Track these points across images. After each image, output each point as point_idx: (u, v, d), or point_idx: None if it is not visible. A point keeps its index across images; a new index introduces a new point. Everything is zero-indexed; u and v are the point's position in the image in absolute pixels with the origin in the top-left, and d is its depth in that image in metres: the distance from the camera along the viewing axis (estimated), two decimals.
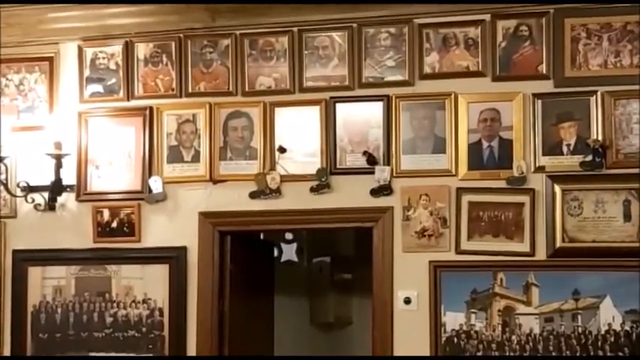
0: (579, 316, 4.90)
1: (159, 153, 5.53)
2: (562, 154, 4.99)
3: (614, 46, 4.96)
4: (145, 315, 5.50)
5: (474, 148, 5.10)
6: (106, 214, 5.56)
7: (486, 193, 5.07)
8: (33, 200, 5.53)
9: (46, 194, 5.51)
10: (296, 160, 5.34)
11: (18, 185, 5.54)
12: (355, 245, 6.62)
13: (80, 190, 5.58)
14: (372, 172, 5.18)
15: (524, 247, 5.00)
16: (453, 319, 5.06)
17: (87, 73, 5.65)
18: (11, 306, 5.66)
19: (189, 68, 5.52)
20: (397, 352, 5.15)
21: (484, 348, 5.02)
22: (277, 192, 5.32)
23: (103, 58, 5.64)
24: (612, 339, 4.83)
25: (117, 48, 5.61)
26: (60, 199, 5.54)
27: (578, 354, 4.91)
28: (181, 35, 5.51)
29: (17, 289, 5.66)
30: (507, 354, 4.99)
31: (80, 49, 5.65)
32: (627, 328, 4.82)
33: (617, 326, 4.83)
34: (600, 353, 4.87)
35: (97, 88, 5.63)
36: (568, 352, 4.92)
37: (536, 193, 4.99)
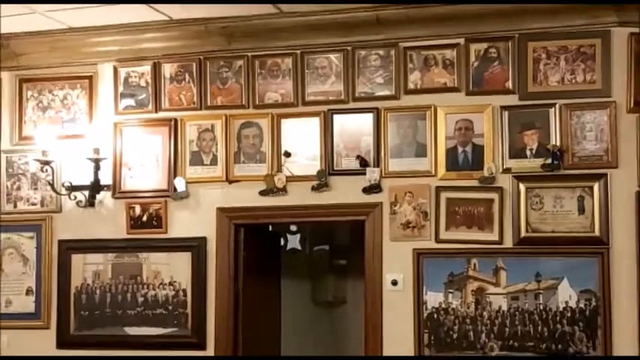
0: (541, 295, 4.95)
1: (182, 157, 5.55)
2: (526, 157, 5.04)
3: (570, 66, 5.01)
4: (171, 295, 5.53)
5: (451, 153, 5.15)
6: (138, 209, 5.60)
7: (461, 191, 5.13)
8: (75, 198, 5.59)
9: (86, 193, 5.57)
10: (299, 163, 5.38)
11: (63, 185, 5.58)
12: (350, 235, 6.64)
13: (115, 189, 5.63)
14: (364, 174, 5.22)
15: (494, 236, 5.05)
16: (433, 298, 5.10)
17: (121, 89, 5.68)
18: (57, 288, 5.70)
19: (208, 85, 5.54)
20: (385, 327, 5.17)
21: (459, 322, 5.05)
22: (283, 190, 5.36)
23: (135, 76, 5.66)
24: (569, 314, 4.89)
25: (146, 68, 5.64)
26: (98, 197, 5.61)
27: (539, 328, 4.91)
28: (201, 57, 5.54)
29: (62, 274, 5.70)
30: (479, 328, 5.00)
31: (115, 69, 5.69)
32: (582, 305, 4.87)
33: (573, 304, 4.88)
34: (559, 327, 4.88)
35: (130, 102, 5.67)
36: (531, 326, 4.93)
37: (503, 191, 5.04)
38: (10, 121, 5.92)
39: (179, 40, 5.59)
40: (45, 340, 5.74)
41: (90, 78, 5.78)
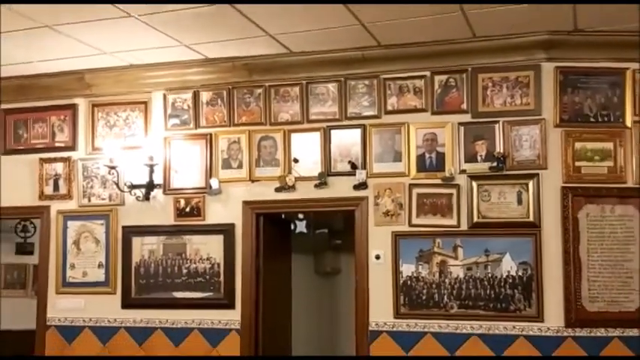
0: (489, 266, 4.94)
1: (216, 163, 5.52)
2: (477, 161, 5.01)
3: (510, 91, 4.98)
4: (207, 267, 5.50)
5: (420, 158, 5.11)
6: (182, 202, 5.56)
7: (428, 187, 5.08)
8: (135, 194, 5.56)
9: (143, 190, 5.53)
10: (304, 167, 5.33)
11: (125, 184, 5.54)
12: (344, 221, 6.57)
13: (165, 187, 5.60)
14: (354, 175, 5.20)
15: (453, 221, 5.03)
16: (407, 269, 5.08)
17: (169, 111, 5.64)
18: (121, 262, 5.67)
19: (235, 108, 5.51)
20: (371, 292, 5.13)
21: (427, 287, 5.03)
22: (293, 187, 5.33)
23: (180, 101, 5.62)
24: (510, 281, 4.87)
25: (188, 95, 5.59)
26: (152, 193, 5.56)
27: (488, 291, 4.90)
28: (230, 86, 5.51)
29: (125, 252, 5.67)
30: (442, 291, 4.99)
31: (164, 96, 5.66)
32: (520, 273, 4.86)
33: (513, 272, 4.87)
34: (503, 290, 4.87)
35: (175, 121, 5.63)
36: (482, 290, 4.92)
37: (460, 187, 5.02)
38: (85, 136, 5.88)
39: (213, 74, 5.55)
40: (112, 303, 5.70)
41: (145, 103, 5.74)
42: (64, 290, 5.80)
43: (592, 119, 4.89)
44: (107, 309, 5.68)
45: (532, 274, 4.85)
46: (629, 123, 4.86)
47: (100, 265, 5.75)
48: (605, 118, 4.88)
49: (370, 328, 5.12)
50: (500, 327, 4.86)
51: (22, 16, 4.44)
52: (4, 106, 6.02)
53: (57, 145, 5.92)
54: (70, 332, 5.73)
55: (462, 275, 4.99)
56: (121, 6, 4.30)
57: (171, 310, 5.55)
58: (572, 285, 4.77)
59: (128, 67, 5.59)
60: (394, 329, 5.07)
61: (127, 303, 5.67)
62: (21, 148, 6.00)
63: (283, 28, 4.78)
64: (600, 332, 4.73)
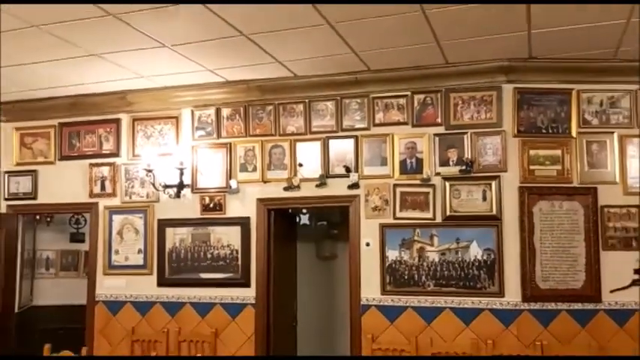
0: (459, 252, 4.95)
1: (234, 167, 5.52)
2: (449, 165, 5.02)
3: (477, 108, 4.99)
4: (228, 253, 5.51)
5: (402, 163, 5.12)
6: (207, 199, 5.57)
7: (409, 187, 5.09)
8: (168, 192, 5.56)
9: (174, 189, 5.53)
10: (308, 170, 5.34)
11: (160, 184, 5.55)
12: (340, 215, 6.49)
13: (193, 187, 5.60)
14: (348, 176, 5.20)
15: (430, 215, 5.03)
16: (392, 254, 5.09)
17: (196, 124, 5.64)
18: (157, 249, 5.68)
19: (250, 121, 5.51)
20: (363, 273, 5.13)
21: (408, 269, 5.03)
22: (298, 187, 5.33)
23: (204, 116, 5.62)
24: (477, 264, 4.89)
25: (212, 111, 5.60)
26: (182, 192, 5.55)
27: (458, 272, 4.90)
28: (246, 104, 5.51)
29: (160, 240, 5.68)
30: (421, 273, 4.99)
31: (192, 112, 5.66)
32: (485, 258, 4.88)
33: (479, 257, 4.89)
34: (470, 272, 4.88)
35: (201, 132, 5.63)
36: (453, 271, 4.92)
37: (435, 187, 5.03)
38: (127, 145, 5.91)
39: (231, 94, 5.56)
40: (149, 282, 5.71)
41: (176, 118, 5.75)
42: (110, 272, 5.82)
43: (544, 131, 4.91)
44: (145, 287, 5.70)
45: (495, 258, 4.87)
46: (574, 134, 4.89)
47: (139, 251, 5.77)
48: (555, 130, 4.90)
49: (362, 303, 5.13)
50: (469, 302, 4.89)
51: (76, 46, 4.50)
52: (61, 120, 6.05)
53: (104, 152, 5.93)
54: (114, 306, 5.76)
55: (437, 259, 5.01)
56: (156, 37, 4.36)
57: (198, 288, 5.55)
58: (527, 267, 4.79)
59: (162, 88, 5.60)
60: (381, 303, 5.08)
61: (162, 282, 5.67)
62: (74, 154, 6.02)
63: (290, 56, 4.81)
64: (551, 306, 4.76)
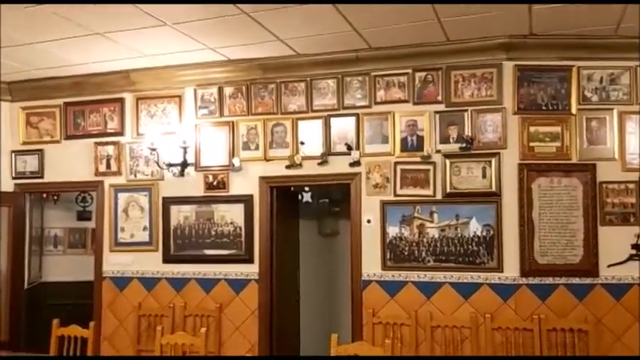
0: (459, 228, 4.94)
1: (237, 145, 5.50)
2: (449, 143, 4.98)
3: (477, 85, 4.94)
4: (231, 230, 5.52)
5: (403, 140, 5.10)
6: (210, 177, 5.56)
7: (410, 164, 5.07)
8: (172, 171, 5.58)
9: (178, 167, 5.54)
10: (309, 148, 5.31)
11: (164, 163, 5.55)
12: (341, 193, 6.41)
13: (196, 165, 5.59)
14: (350, 154, 5.18)
15: (430, 192, 5.02)
16: (392, 230, 5.09)
17: (199, 103, 5.62)
18: (162, 226, 5.70)
19: (253, 100, 5.48)
20: (364, 250, 5.12)
21: (409, 245, 5.03)
22: (300, 165, 5.32)
23: (207, 95, 5.60)
24: (476, 240, 4.88)
25: (214, 89, 5.57)
26: (186, 170, 5.55)
27: (458, 248, 4.90)
28: (248, 82, 5.48)
29: (165, 218, 5.69)
30: (421, 249, 4.99)
31: (195, 91, 5.63)
32: (484, 234, 4.87)
33: (478, 233, 4.88)
34: (470, 247, 4.87)
35: (204, 111, 5.61)
36: (453, 247, 4.91)
37: (436, 164, 5.01)
38: (131, 124, 5.89)
39: (234, 72, 5.52)
40: (154, 259, 5.74)
41: (179, 96, 5.72)
42: (116, 249, 5.85)
43: (544, 108, 4.86)
44: (151, 263, 5.73)
45: (494, 234, 4.86)
46: (574, 110, 4.84)
47: (144, 229, 5.79)
48: (555, 107, 4.85)
49: (363, 278, 5.14)
50: (468, 277, 4.89)
51: (78, 24, 4.46)
52: (65, 99, 6.03)
53: (108, 131, 5.92)
54: (121, 282, 5.80)
55: (436, 235, 5.00)
56: (158, 16, 4.31)
57: (203, 264, 5.57)
58: (526, 242, 4.78)
59: (164, 67, 5.56)
60: (382, 279, 5.10)
61: (167, 258, 5.70)
62: (79, 134, 6.02)
63: (291, 34, 4.75)
64: (549, 280, 4.76)
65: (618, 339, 4.64)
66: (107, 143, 5.91)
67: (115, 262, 5.84)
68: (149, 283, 5.72)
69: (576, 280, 4.72)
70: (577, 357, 4.60)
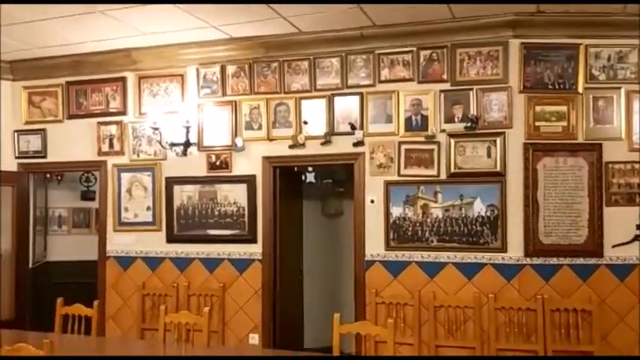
0: (463, 208, 4.91)
1: (240, 125, 5.47)
2: (454, 122, 4.95)
3: (482, 64, 4.89)
4: (234, 210, 5.50)
5: (408, 120, 5.05)
6: (213, 157, 5.54)
7: (414, 144, 5.03)
8: (174, 150, 5.53)
9: (181, 147, 5.49)
10: (313, 128, 5.28)
11: (166, 143, 5.51)
12: (345, 173, 6.40)
13: (199, 145, 5.57)
14: (353, 134, 5.14)
15: (434, 172, 4.98)
16: (396, 211, 5.07)
17: (201, 82, 5.58)
18: (165, 206, 5.69)
19: (255, 79, 5.43)
20: (367, 230, 5.11)
21: (412, 226, 5.01)
22: (303, 145, 5.29)
23: (210, 74, 5.56)
24: (480, 220, 4.86)
25: (217, 68, 5.52)
26: (189, 150, 5.51)
27: (462, 228, 4.88)
28: (251, 61, 5.43)
29: (168, 198, 5.68)
30: (424, 229, 4.97)
31: (197, 70, 5.59)
32: (488, 214, 4.85)
33: (482, 213, 4.86)
34: (474, 227, 4.85)
35: (207, 90, 5.57)
36: (457, 227, 4.90)
37: (440, 144, 4.97)
38: (134, 103, 5.85)
39: (236, 51, 5.47)
40: (158, 239, 5.75)
41: (182, 76, 5.68)
42: (120, 228, 5.85)
43: (550, 86, 4.79)
44: (154, 243, 5.74)
45: (498, 214, 4.83)
46: (580, 90, 4.78)
47: (148, 208, 5.78)
48: (561, 86, 4.78)
49: (366, 258, 5.14)
50: (472, 257, 4.88)
51: (79, 2, 4.41)
52: (67, 79, 5.99)
53: (111, 110, 5.89)
54: (125, 261, 5.81)
55: (440, 216, 4.98)
56: None
57: (206, 244, 5.58)
58: (530, 222, 4.76)
59: (166, 45, 5.51)
60: (385, 259, 5.09)
61: (171, 238, 5.70)
62: (82, 113, 5.99)
63: (295, 12, 4.68)
64: (553, 261, 4.74)
65: (622, 319, 4.63)
66: (110, 123, 5.88)
67: (118, 242, 5.85)
68: (153, 262, 5.73)
69: (580, 261, 4.70)
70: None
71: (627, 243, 4.64)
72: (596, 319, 4.58)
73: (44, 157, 6.10)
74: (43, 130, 6.09)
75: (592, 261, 4.69)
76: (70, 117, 6.03)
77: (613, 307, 4.64)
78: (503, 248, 4.82)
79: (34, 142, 6.11)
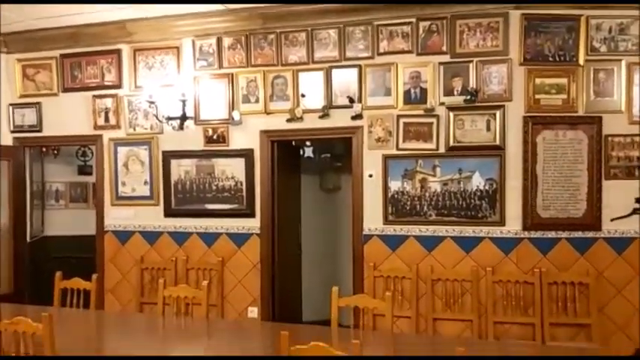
0: (462, 182, 4.90)
1: (237, 98, 5.42)
2: (454, 95, 4.91)
3: (482, 35, 4.83)
4: (232, 185, 5.49)
5: (406, 93, 5.01)
6: (210, 131, 5.50)
7: (413, 118, 4.99)
8: (171, 124, 5.49)
9: (178, 121, 5.46)
10: (310, 101, 5.23)
11: (163, 116, 5.47)
12: (344, 147, 6.40)
13: (196, 118, 5.53)
14: (352, 107, 5.10)
15: (433, 145, 4.95)
16: (395, 185, 5.06)
17: (197, 55, 5.51)
18: (162, 180, 5.68)
19: (252, 51, 5.36)
20: (365, 204, 5.11)
21: (410, 200, 5.01)
22: (301, 119, 5.25)
23: (206, 46, 5.49)
24: (479, 194, 4.85)
25: (213, 40, 5.45)
26: (186, 124, 5.48)
27: (460, 202, 4.87)
28: (247, 33, 5.35)
29: (165, 172, 5.66)
30: (423, 203, 4.96)
31: (193, 42, 5.52)
32: (487, 188, 4.84)
33: (481, 187, 4.85)
34: (472, 201, 4.84)
35: (203, 63, 5.50)
36: (455, 201, 4.89)
37: (439, 117, 4.93)
38: (129, 76, 5.79)
39: (233, 22, 5.39)
40: (156, 213, 5.75)
41: (177, 48, 5.61)
42: (117, 203, 5.85)
43: (550, 58, 4.74)
44: (152, 217, 5.74)
45: (497, 188, 4.83)
46: (581, 62, 4.72)
47: (145, 183, 5.77)
48: (562, 58, 4.73)
49: (364, 233, 5.14)
50: (470, 230, 4.89)
51: None
52: (61, 51, 5.92)
53: (106, 83, 5.83)
54: (123, 235, 5.82)
55: (439, 189, 4.97)
56: None
57: (204, 218, 5.57)
58: (529, 196, 4.75)
59: (161, 17, 5.42)
60: (383, 233, 5.10)
61: (168, 213, 5.70)
62: (77, 86, 5.93)
63: None
64: (551, 234, 4.75)
65: (619, 292, 4.66)
66: (105, 96, 5.83)
67: (116, 216, 5.86)
68: (151, 236, 5.74)
69: (578, 234, 4.72)
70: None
71: (626, 216, 4.64)
72: (594, 292, 4.62)
73: (39, 131, 6.06)
74: (38, 103, 6.04)
75: (590, 234, 4.70)
76: (65, 90, 5.98)
77: (610, 280, 4.67)
78: (501, 222, 4.82)
79: (29, 116, 6.07)
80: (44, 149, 6.93)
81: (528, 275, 4.72)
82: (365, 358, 2.97)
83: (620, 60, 4.70)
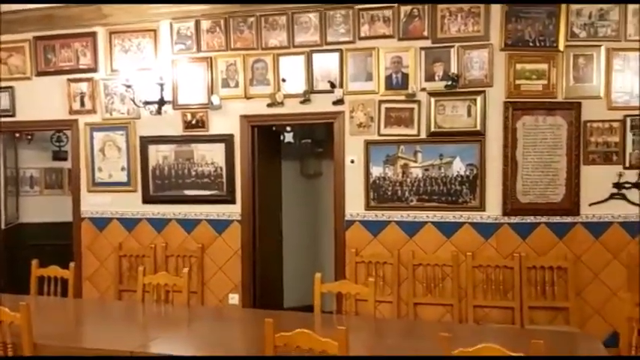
0: (442, 167, 4.93)
1: (216, 82, 5.36)
2: (435, 80, 4.91)
3: (464, 20, 4.82)
4: (212, 170, 5.45)
5: (388, 78, 5.00)
6: (189, 116, 5.44)
7: (394, 103, 4.99)
8: (148, 109, 5.40)
9: (155, 106, 5.37)
10: (291, 86, 5.20)
11: (140, 101, 5.38)
12: (325, 132, 6.44)
13: (174, 103, 5.46)
14: (333, 92, 5.08)
15: (414, 131, 4.96)
16: (376, 171, 5.07)
17: (175, 38, 5.43)
18: (140, 166, 5.61)
19: (232, 34, 5.29)
20: (347, 191, 5.11)
21: (392, 185, 5.03)
22: (281, 103, 5.21)
23: (184, 29, 5.41)
24: (459, 179, 4.88)
25: (191, 23, 5.37)
26: (164, 108, 5.39)
27: (441, 187, 4.91)
28: (227, 16, 5.28)
29: (143, 158, 5.60)
30: (404, 189, 4.98)
31: (171, 25, 5.43)
32: (467, 173, 4.87)
33: (462, 172, 4.88)
34: (453, 187, 4.88)
35: (181, 46, 5.42)
36: (436, 187, 4.92)
37: (420, 103, 4.94)
38: (105, 60, 5.67)
39: (212, 4, 5.30)
40: (133, 199, 5.68)
41: (155, 31, 5.51)
42: (94, 189, 5.77)
43: (531, 44, 4.75)
44: (130, 204, 5.67)
45: (477, 174, 4.87)
46: (561, 47, 4.74)
47: (122, 169, 5.69)
48: (542, 43, 4.75)
49: (346, 218, 5.15)
50: (450, 216, 4.93)
51: None
52: (35, 33, 5.77)
53: (81, 67, 5.70)
54: (100, 222, 5.75)
55: (420, 175, 4.99)
56: None
57: (183, 204, 5.53)
58: (509, 181, 4.79)
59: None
60: (365, 219, 5.11)
61: (147, 199, 5.63)
62: (51, 70, 5.79)
63: None
64: (530, 219, 4.81)
65: (596, 276, 4.75)
66: (80, 80, 5.71)
67: (93, 203, 5.78)
68: (129, 223, 5.68)
69: (557, 219, 4.78)
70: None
71: (603, 201, 4.73)
72: (572, 276, 4.70)
73: (13, 115, 5.92)
74: (11, 87, 5.89)
75: (568, 219, 4.77)
76: (39, 74, 5.84)
77: (588, 264, 4.75)
78: (481, 207, 4.87)
79: (1, 101, 5.91)
80: (18, 134, 6.78)
81: (508, 260, 4.79)
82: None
83: (600, 45, 4.73)
